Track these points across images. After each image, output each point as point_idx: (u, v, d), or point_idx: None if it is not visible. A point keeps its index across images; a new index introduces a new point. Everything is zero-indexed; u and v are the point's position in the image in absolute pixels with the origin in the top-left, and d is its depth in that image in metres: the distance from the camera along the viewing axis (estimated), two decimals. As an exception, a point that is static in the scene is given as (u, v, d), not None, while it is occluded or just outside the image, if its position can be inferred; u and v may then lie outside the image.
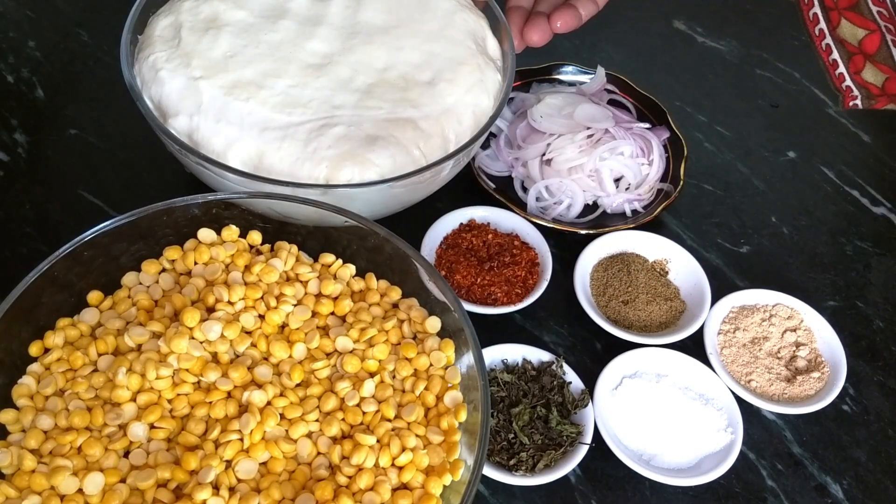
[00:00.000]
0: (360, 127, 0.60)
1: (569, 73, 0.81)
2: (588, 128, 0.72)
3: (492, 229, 0.68)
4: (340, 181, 0.58)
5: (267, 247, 0.57)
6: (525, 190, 0.72)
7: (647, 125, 0.75)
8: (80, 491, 0.45)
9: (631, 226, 0.69)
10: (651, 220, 0.70)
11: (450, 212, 0.67)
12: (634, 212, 0.72)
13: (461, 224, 0.68)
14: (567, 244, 0.70)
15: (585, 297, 0.64)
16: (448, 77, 0.63)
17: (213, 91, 0.60)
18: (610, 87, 0.79)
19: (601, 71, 0.79)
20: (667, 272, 0.68)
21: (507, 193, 0.71)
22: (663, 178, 0.74)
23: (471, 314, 0.54)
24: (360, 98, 0.62)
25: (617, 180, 0.72)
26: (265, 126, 0.59)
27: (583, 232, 0.69)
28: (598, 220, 0.72)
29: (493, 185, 0.71)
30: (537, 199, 0.71)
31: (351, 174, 0.58)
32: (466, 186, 0.73)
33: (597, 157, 0.70)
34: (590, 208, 0.72)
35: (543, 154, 0.72)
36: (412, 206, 0.67)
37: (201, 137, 0.59)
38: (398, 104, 0.61)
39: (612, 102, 0.78)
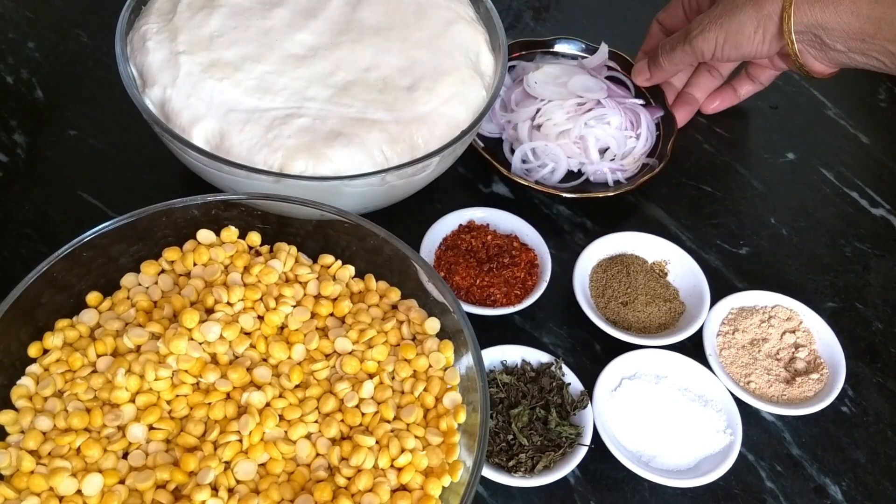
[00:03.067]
0: (325, 121, 0.60)
1: (573, 49, 0.83)
2: (580, 97, 0.74)
3: (491, 230, 0.68)
4: (294, 172, 0.58)
5: (266, 248, 0.57)
6: (513, 152, 0.74)
7: (642, 101, 0.77)
8: (78, 492, 0.45)
9: (611, 194, 0.71)
10: (633, 191, 0.72)
11: (449, 213, 0.67)
12: (617, 182, 0.73)
13: (460, 225, 0.68)
14: (566, 245, 0.70)
15: (585, 299, 0.64)
16: (427, 85, 0.64)
17: (190, 66, 0.62)
18: (611, 63, 0.80)
19: (604, 47, 0.80)
20: (666, 273, 0.68)
21: (496, 155, 0.73)
22: (651, 155, 0.75)
23: (470, 315, 0.54)
24: (333, 94, 0.62)
25: (604, 152, 0.74)
26: (232, 107, 0.60)
27: (564, 195, 0.70)
28: (582, 186, 0.73)
29: (482, 144, 0.72)
30: (523, 162, 0.73)
31: (304, 166, 0.59)
32: (465, 188, 0.73)
33: (582, 124, 0.72)
34: (574, 175, 0.74)
35: (533, 118, 0.74)
36: (412, 206, 0.67)
37: (171, 110, 0.61)
38: (370, 105, 0.62)
39: (613, 80, 0.79)
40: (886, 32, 0.59)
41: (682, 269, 0.68)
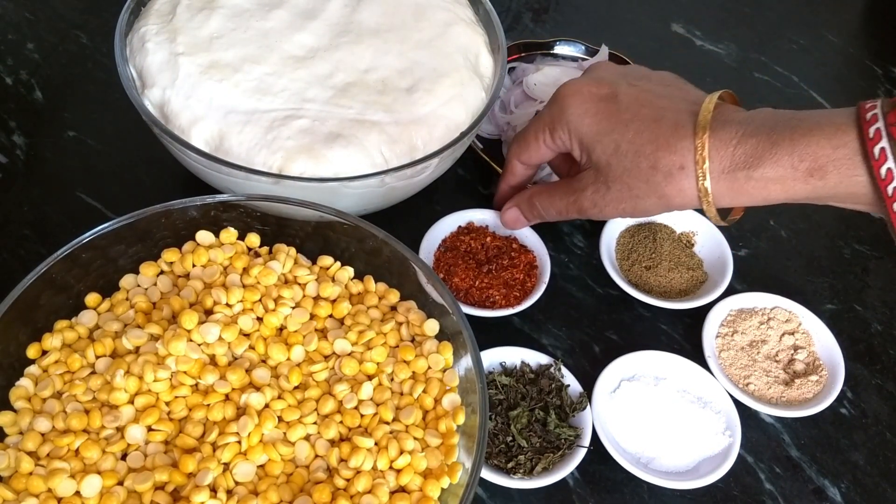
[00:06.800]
0: (324, 123, 0.60)
1: (573, 50, 0.82)
2: None
3: (490, 232, 0.68)
4: (293, 173, 0.58)
5: (265, 249, 0.57)
6: None
7: None
8: (77, 493, 0.45)
9: None
10: None
11: (448, 214, 0.67)
12: None
13: (459, 227, 0.68)
14: (565, 247, 0.70)
15: (609, 260, 0.66)
16: (427, 87, 0.64)
17: (189, 68, 0.62)
18: None
19: (604, 49, 0.80)
20: (693, 244, 0.70)
21: (495, 157, 0.73)
22: None
23: (469, 317, 0.54)
24: (333, 95, 0.62)
25: None
26: (231, 109, 0.60)
27: None
28: None
29: (481, 146, 0.73)
30: None
31: (304, 167, 0.58)
32: (464, 189, 0.73)
33: None
34: None
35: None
36: (411, 208, 0.67)
37: (170, 111, 0.61)
38: (370, 106, 0.62)
39: None
40: (828, 199, 0.52)
41: (708, 241, 0.69)
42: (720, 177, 0.52)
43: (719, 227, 0.69)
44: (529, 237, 0.67)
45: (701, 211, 0.55)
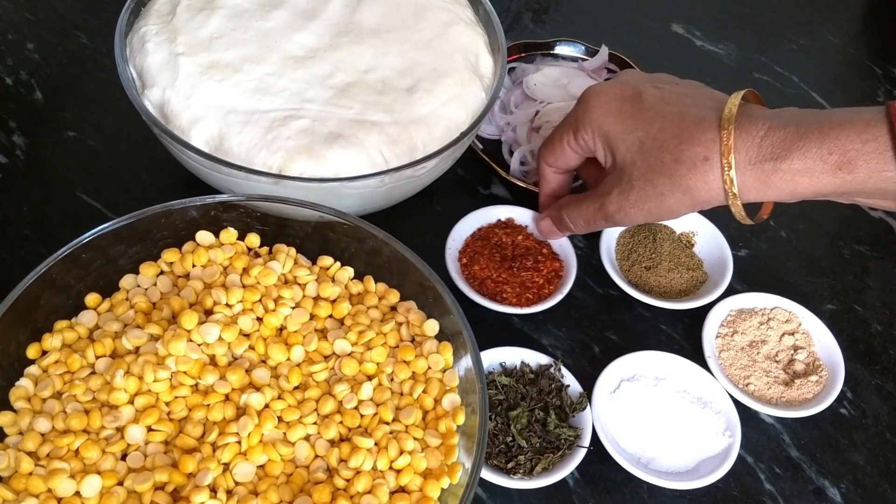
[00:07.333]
0: (324, 123, 0.60)
1: (573, 51, 0.82)
2: None
3: (527, 232, 0.68)
4: (293, 173, 0.58)
5: (265, 249, 0.57)
6: (512, 154, 0.74)
7: None
8: (77, 494, 0.45)
9: None
10: None
11: (495, 206, 0.68)
12: None
13: (499, 220, 0.68)
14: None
15: (609, 260, 0.66)
16: (427, 87, 0.64)
17: (189, 68, 0.62)
18: (612, 66, 0.80)
19: (604, 49, 0.80)
20: (692, 244, 0.70)
21: (495, 157, 0.73)
22: None
23: (469, 315, 0.53)
24: (333, 95, 0.62)
25: None
26: (231, 109, 0.60)
27: None
28: (580, 189, 0.72)
29: (480, 146, 0.73)
30: (521, 164, 0.73)
31: (304, 167, 0.59)
32: (464, 189, 0.73)
33: None
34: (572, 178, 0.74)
35: (532, 120, 0.74)
36: (411, 208, 0.67)
37: (170, 111, 0.61)
38: (370, 106, 0.62)
39: None
40: (856, 195, 0.51)
41: (708, 241, 0.69)
42: (746, 168, 0.51)
43: (719, 228, 0.69)
44: (564, 247, 0.67)
45: (727, 211, 0.54)
